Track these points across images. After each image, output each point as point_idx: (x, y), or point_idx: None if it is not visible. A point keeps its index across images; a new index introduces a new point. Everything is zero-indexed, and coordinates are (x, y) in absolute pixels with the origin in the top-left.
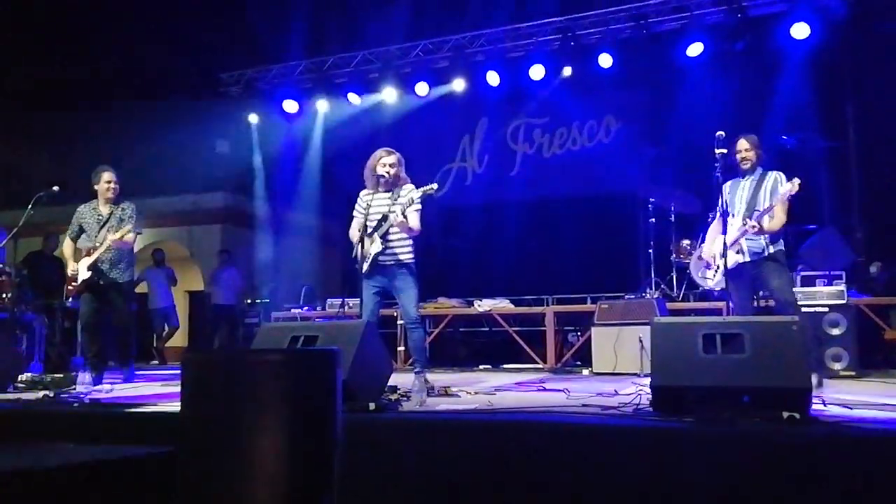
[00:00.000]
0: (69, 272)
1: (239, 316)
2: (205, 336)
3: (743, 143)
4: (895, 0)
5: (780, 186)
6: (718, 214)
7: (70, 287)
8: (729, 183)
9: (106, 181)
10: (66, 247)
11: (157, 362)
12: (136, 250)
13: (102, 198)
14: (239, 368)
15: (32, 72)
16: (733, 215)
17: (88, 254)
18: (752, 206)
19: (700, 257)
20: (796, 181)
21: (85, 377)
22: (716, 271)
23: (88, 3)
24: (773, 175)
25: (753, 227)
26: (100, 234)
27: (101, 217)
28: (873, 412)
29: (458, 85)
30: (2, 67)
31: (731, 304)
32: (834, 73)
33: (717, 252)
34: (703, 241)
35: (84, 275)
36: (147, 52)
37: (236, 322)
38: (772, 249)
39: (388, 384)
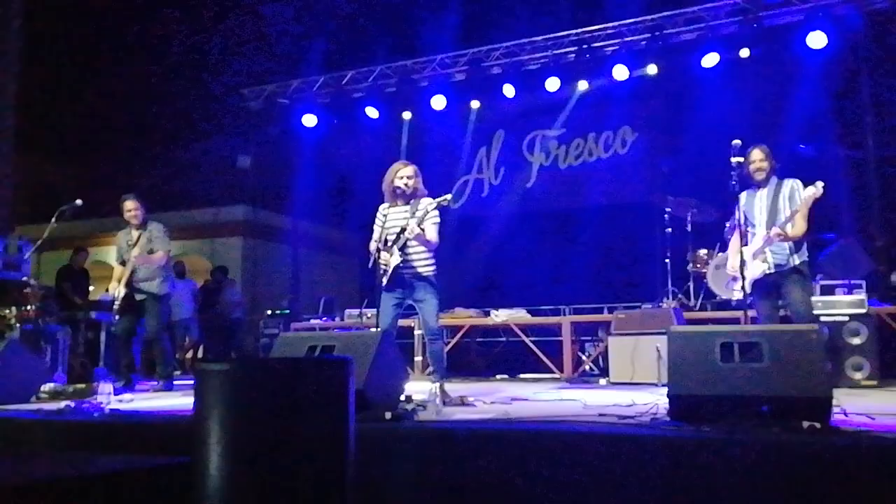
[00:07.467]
0: (113, 293)
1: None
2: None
3: (757, 154)
4: None
5: (799, 193)
6: (734, 227)
7: (115, 306)
8: (744, 194)
9: (128, 210)
10: (115, 270)
11: (179, 372)
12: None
13: (130, 224)
14: (250, 378)
15: (58, 87)
16: (753, 225)
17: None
18: (774, 216)
19: (718, 267)
20: (819, 185)
21: (106, 387)
22: (742, 285)
23: (114, 22)
24: (788, 183)
25: (778, 234)
26: (130, 255)
27: (130, 240)
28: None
29: (475, 98)
30: (29, 83)
31: (750, 315)
32: (851, 83)
33: (738, 265)
34: (720, 251)
35: (121, 293)
36: (170, 68)
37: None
38: (797, 260)
39: (405, 393)
